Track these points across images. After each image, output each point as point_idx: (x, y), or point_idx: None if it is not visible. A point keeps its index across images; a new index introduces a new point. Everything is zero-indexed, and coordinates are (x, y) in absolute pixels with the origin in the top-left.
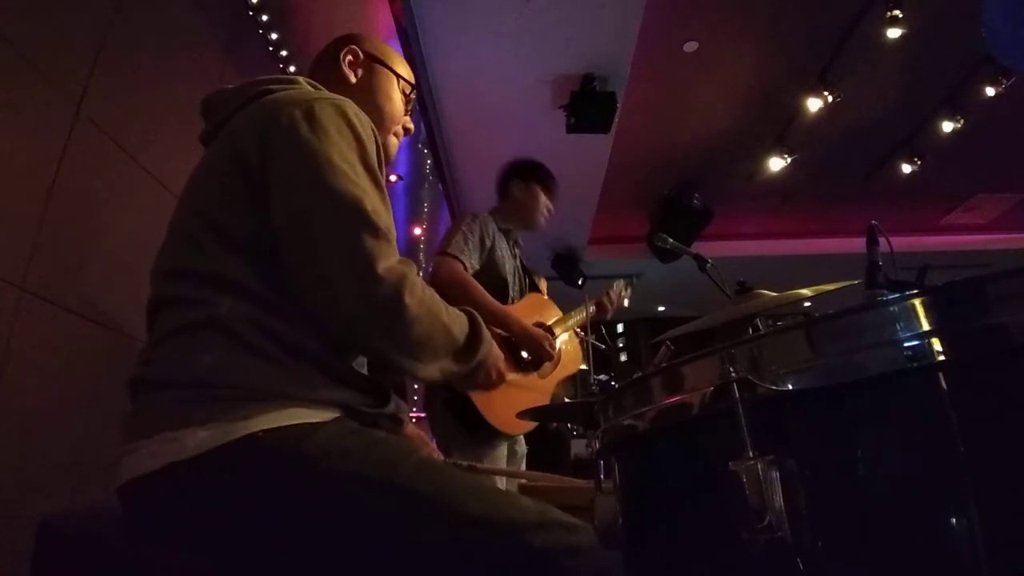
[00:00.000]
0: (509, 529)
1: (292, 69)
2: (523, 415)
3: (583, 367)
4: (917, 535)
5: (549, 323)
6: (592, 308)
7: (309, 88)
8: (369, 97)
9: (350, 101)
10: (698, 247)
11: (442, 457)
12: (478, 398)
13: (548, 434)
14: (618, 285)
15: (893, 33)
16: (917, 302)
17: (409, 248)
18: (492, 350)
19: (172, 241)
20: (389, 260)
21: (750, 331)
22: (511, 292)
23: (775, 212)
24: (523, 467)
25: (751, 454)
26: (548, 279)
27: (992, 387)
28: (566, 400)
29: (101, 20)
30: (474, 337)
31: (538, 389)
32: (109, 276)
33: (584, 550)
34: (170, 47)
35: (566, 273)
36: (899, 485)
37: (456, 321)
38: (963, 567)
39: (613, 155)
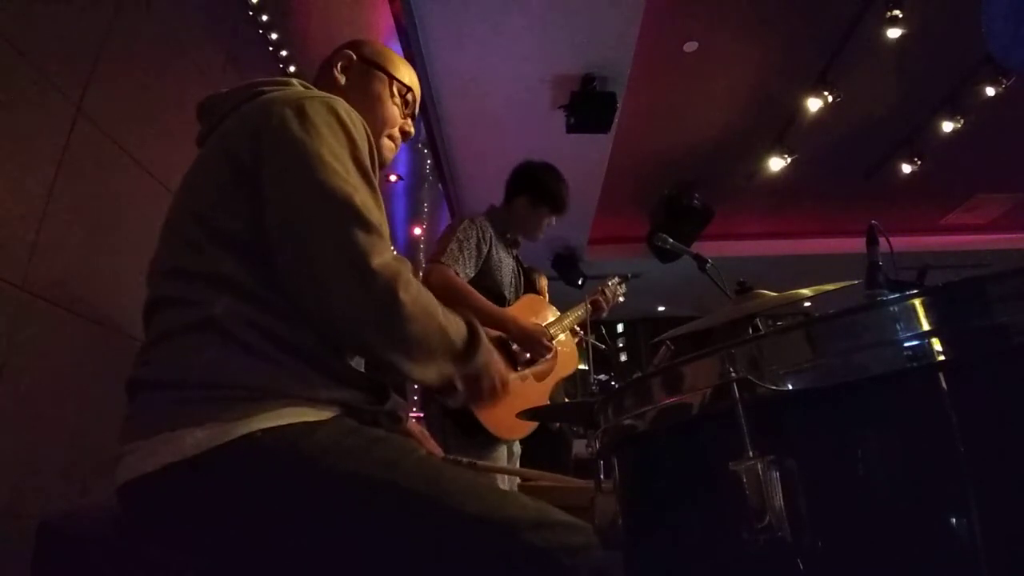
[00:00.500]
0: (509, 528)
1: (292, 69)
2: (522, 415)
3: (583, 367)
4: (917, 535)
5: (545, 324)
6: (588, 307)
7: (301, 88)
8: (358, 99)
9: (342, 100)
10: (698, 247)
11: (442, 454)
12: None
13: (549, 433)
14: (613, 282)
15: (893, 33)
16: (917, 302)
17: (409, 248)
18: (492, 358)
19: (167, 242)
20: (383, 256)
21: (750, 331)
22: (508, 297)
23: (775, 212)
24: (518, 466)
25: (751, 454)
26: (548, 279)
27: (992, 387)
28: (566, 400)
29: (101, 20)
30: (472, 342)
31: (536, 392)
32: (109, 276)
33: (583, 549)
34: (170, 47)
35: (566, 273)
36: (899, 485)
37: (453, 324)
38: (963, 567)
39: (613, 155)
